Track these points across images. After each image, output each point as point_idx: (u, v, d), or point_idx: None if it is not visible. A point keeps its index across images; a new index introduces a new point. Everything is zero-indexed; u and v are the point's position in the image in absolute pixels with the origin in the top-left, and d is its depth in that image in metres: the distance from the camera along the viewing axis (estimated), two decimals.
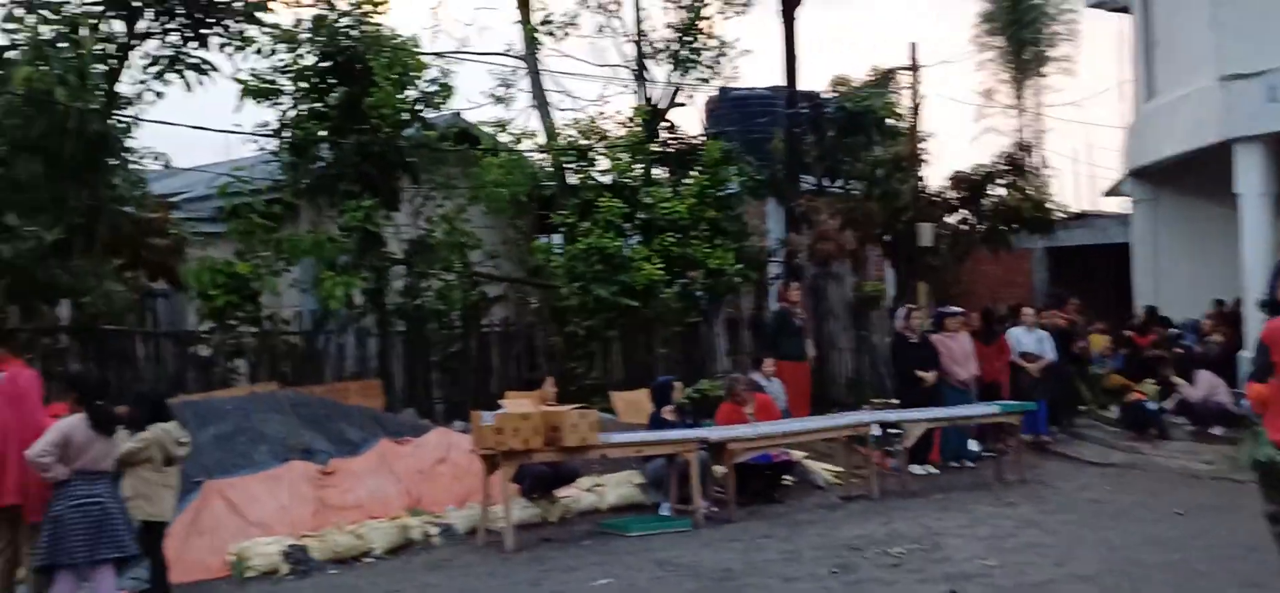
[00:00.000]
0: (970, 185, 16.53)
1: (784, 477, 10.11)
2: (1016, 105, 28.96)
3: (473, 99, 21.32)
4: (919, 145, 16.53)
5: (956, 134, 48.98)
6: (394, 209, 12.56)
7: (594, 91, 24.21)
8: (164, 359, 10.60)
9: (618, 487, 9.74)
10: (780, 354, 11.62)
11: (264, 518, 8.08)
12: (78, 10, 10.82)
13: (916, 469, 10.86)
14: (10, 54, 10.31)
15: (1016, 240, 17.18)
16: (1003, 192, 16.49)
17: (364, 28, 12.24)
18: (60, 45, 10.15)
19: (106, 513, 6.20)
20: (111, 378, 9.16)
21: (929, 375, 11.30)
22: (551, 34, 15.18)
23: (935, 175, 17.43)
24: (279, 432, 8.96)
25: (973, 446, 11.68)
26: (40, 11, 10.50)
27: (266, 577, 7.53)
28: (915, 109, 16.62)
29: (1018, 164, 16.56)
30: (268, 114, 12.37)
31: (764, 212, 16.96)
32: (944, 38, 40.77)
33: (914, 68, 16.67)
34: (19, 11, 10.36)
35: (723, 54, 15.25)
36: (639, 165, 14.13)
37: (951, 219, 16.80)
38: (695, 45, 15.04)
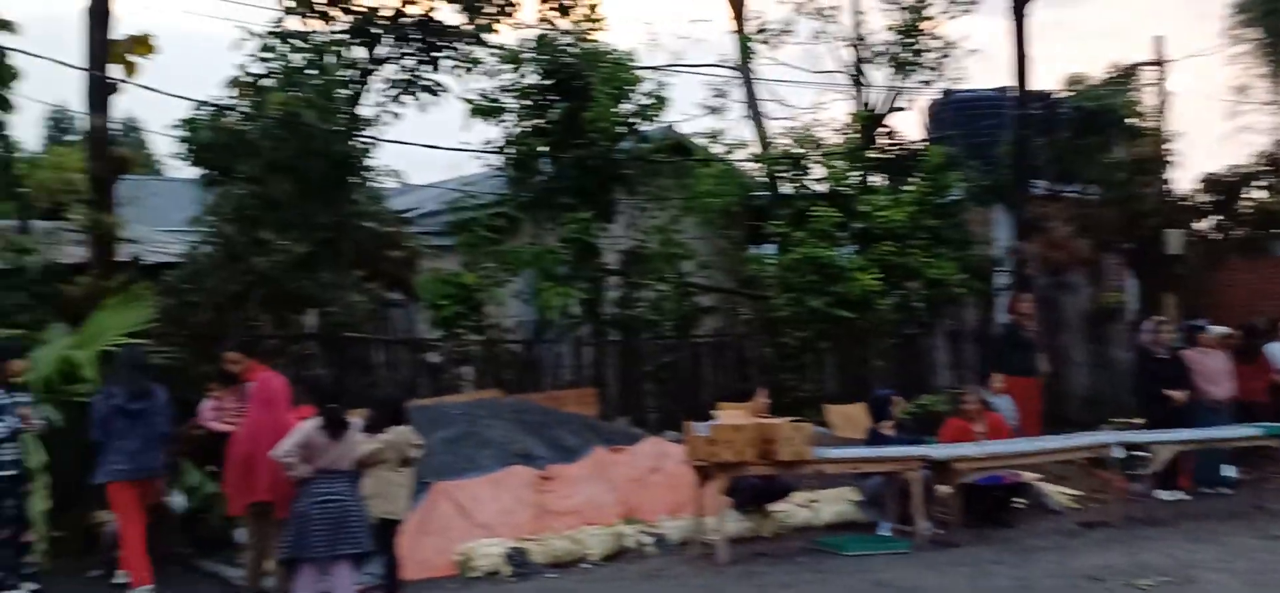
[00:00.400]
0: (1224, 188, 15.16)
1: (1014, 499, 9.53)
2: (1275, 101, 26.37)
3: (686, 111, 21.53)
4: (1164, 146, 15.30)
5: (1205, 134, 45.22)
6: (609, 221, 12.80)
7: (809, 98, 23.88)
8: (399, 365, 11.22)
9: (833, 503, 9.47)
10: (1009, 369, 10.99)
11: (487, 520, 8.36)
12: (324, 39, 11.68)
13: (1164, 495, 9.99)
14: (265, 81, 11.22)
15: (1276, 247, 15.64)
16: (1262, 194, 15.02)
17: (583, 45, 12.55)
18: (309, 72, 10.94)
19: (345, 511, 6.57)
20: (351, 383, 9.79)
21: (1180, 394, 10.39)
22: (766, 42, 15.08)
23: (1183, 178, 16.12)
24: (501, 437, 9.26)
25: (1228, 471, 10.62)
26: (292, 41, 11.39)
27: (489, 578, 7.77)
28: (1160, 107, 15.40)
29: (1278, 164, 15.06)
30: (493, 132, 12.91)
31: (990, 219, 16.14)
32: (1191, 30, 37.70)
33: (1159, 63, 15.46)
34: (273, 41, 11.28)
35: (946, 55, 14.66)
36: (855, 173, 13.78)
37: (1201, 225, 15.46)
38: (917, 47, 14.53)
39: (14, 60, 14.68)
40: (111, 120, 10.26)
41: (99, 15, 9.97)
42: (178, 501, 8.15)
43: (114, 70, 10.09)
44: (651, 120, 13.14)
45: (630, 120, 12.70)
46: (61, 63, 9.82)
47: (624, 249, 12.99)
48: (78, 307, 9.37)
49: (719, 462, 8.01)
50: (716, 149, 13.86)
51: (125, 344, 8.32)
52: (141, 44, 10.22)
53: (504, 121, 12.78)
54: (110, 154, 10.05)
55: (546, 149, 12.52)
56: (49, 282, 9.50)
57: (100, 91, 9.99)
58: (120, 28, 10.14)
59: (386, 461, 6.96)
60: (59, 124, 41.51)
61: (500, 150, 12.80)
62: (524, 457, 9.08)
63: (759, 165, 14.29)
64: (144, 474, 7.27)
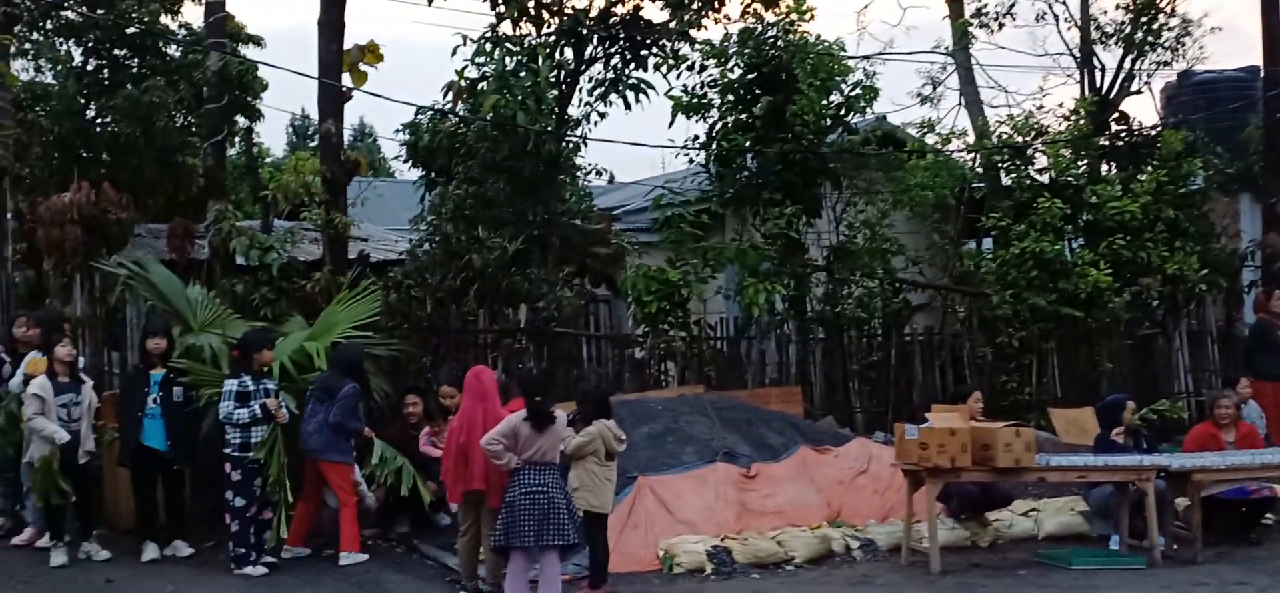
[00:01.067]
0: None
1: (1265, 515, 8.67)
2: None
3: (898, 101, 20.87)
4: None
5: None
6: (815, 216, 12.55)
7: (1031, 84, 22.62)
8: (604, 360, 11.41)
9: (1057, 514, 8.91)
10: (1258, 373, 10.05)
11: (690, 517, 8.35)
12: (536, 43, 12.03)
13: None
14: (480, 85, 11.67)
15: None
16: None
17: (789, 37, 12.35)
18: (521, 75, 11.28)
19: (552, 503, 6.71)
20: (558, 377, 10.03)
21: None
22: (985, 26, 14.39)
23: None
24: (704, 433, 9.24)
25: None
26: (505, 45, 11.79)
27: (693, 575, 7.75)
28: None
29: None
30: (697, 128, 12.93)
31: (1235, 210, 14.80)
32: None
33: None
34: (487, 46, 11.71)
35: (1186, 34, 13.53)
36: (1083, 162, 12.92)
37: None
38: (1153, 26, 13.47)
39: (261, 73, 16.06)
40: (343, 126, 10.92)
41: (331, 28, 10.64)
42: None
43: (345, 79, 10.76)
44: (861, 112, 12.79)
45: (838, 112, 12.40)
46: (300, 74, 10.54)
47: (830, 244, 12.69)
48: (313, 301, 10.05)
49: (931, 467, 7.67)
50: (930, 140, 13.35)
51: (342, 343, 8.91)
52: (371, 53, 10.85)
53: (709, 117, 12.77)
54: (342, 158, 10.70)
55: (751, 144, 12.41)
56: (288, 277, 10.21)
57: (333, 99, 10.66)
58: (351, 39, 10.80)
59: (594, 453, 7.07)
60: (300, 131, 44.92)
61: (705, 146, 12.79)
62: (727, 455, 9.02)
63: (976, 156, 13.65)
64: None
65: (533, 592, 6.80)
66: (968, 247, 13.89)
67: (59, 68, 18.06)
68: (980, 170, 13.57)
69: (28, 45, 17.90)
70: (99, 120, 16.38)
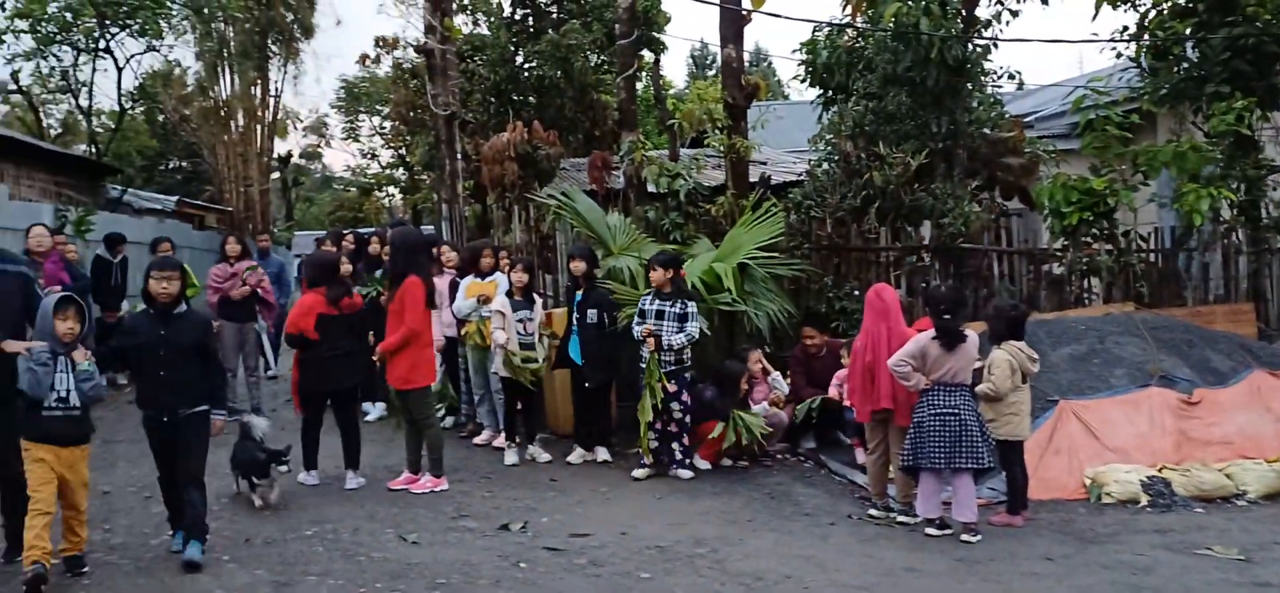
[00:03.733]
0: None
1: None
2: None
3: None
4: None
5: None
6: (1273, 109, 10.85)
7: None
8: (1017, 277, 10.74)
9: None
10: None
11: (1121, 444, 7.69)
12: None
13: None
14: None
15: None
16: None
17: None
18: None
19: (963, 424, 6.48)
20: (967, 295, 9.58)
21: None
22: None
23: None
24: (1135, 355, 8.43)
25: None
26: None
27: (1124, 505, 7.16)
28: None
29: None
30: (1126, 18, 11.65)
31: None
32: None
33: None
34: None
35: None
36: None
37: None
38: None
39: (664, 6, 16.74)
40: (742, 51, 11.09)
41: None
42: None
43: (745, 3, 10.89)
44: None
45: None
46: (702, 0, 10.81)
47: None
48: (719, 224, 10.41)
49: None
50: None
51: None
52: None
53: (1140, 5, 11.44)
54: (742, 83, 10.89)
55: (1192, 31, 10.95)
56: (695, 202, 10.63)
57: (733, 24, 10.84)
58: None
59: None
60: (699, 61, 46.51)
61: (1135, 37, 11.48)
62: (1162, 379, 8.17)
63: None
64: None
65: (946, 513, 6.64)
66: None
67: (492, 19, 20.12)
68: None
69: (466, 1, 20.06)
70: (526, 65, 18.03)
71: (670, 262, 8.40)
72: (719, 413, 8.43)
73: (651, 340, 8.08)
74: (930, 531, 6.61)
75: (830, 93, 12.66)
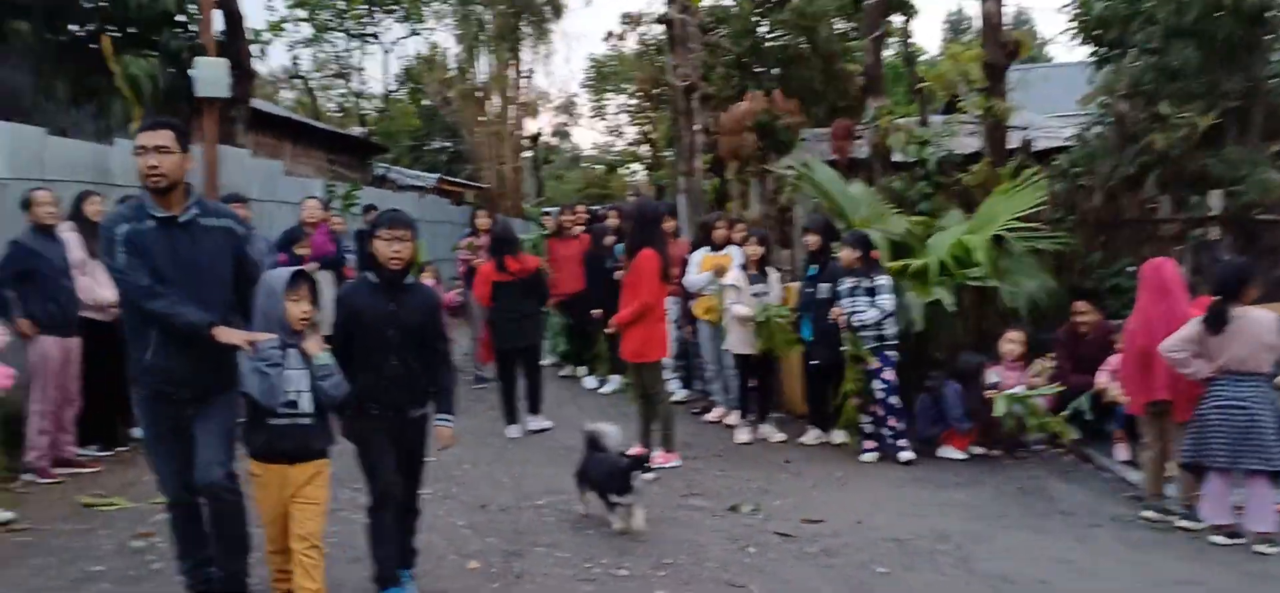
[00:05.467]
0: None
1: None
2: None
3: None
4: None
5: None
6: None
7: None
8: None
9: None
10: None
11: None
12: None
13: None
14: None
15: None
16: None
17: None
18: None
19: (1253, 419, 5.65)
20: (1264, 272, 8.41)
21: None
22: None
23: None
24: None
25: None
26: None
27: None
28: None
29: None
30: None
31: None
32: None
33: None
34: None
35: None
36: None
37: None
38: None
39: None
40: (1003, 6, 10.26)
41: None
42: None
43: None
44: None
45: None
46: None
47: None
48: (972, 194, 9.68)
49: None
50: None
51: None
52: None
53: None
54: (1003, 40, 10.07)
55: None
56: (946, 171, 9.95)
57: None
58: None
59: None
60: (954, 26, 44.31)
61: None
62: None
63: None
64: None
65: (1238, 520, 5.81)
66: None
67: None
68: None
69: None
70: (769, 35, 17.67)
71: (859, 241, 7.99)
72: (962, 412, 7.88)
73: (841, 319, 7.77)
74: (1216, 539, 5.80)
75: (1104, 49, 11.49)
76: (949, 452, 7.93)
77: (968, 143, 10.92)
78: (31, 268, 6.80)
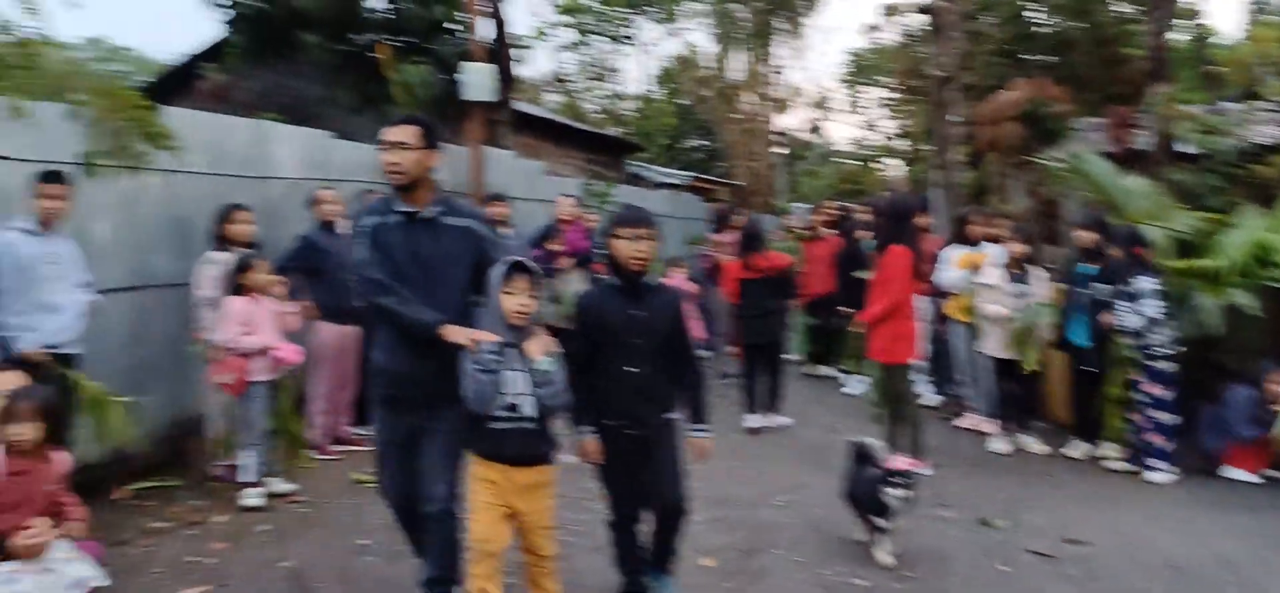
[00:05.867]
0: None
1: None
2: None
3: None
4: None
5: None
6: None
7: None
8: None
9: None
10: None
11: None
12: None
13: None
14: None
15: None
16: None
17: None
18: None
19: None
20: None
21: None
22: None
23: None
24: None
25: None
26: None
27: None
28: None
29: None
30: None
31: None
32: None
33: None
34: None
35: None
36: None
37: None
38: None
39: None
40: None
41: None
42: None
43: None
44: None
45: None
46: None
47: None
48: (1271, 188, 8.66)
49: None
50: None
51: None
52: None
53: None
54: None
55: None
56: (1241, 163, 8.96)
57: None
58: None
59: None
60: (1260, 5, 39.97)
61: None
62: None
63: None
64: None
65: None
66: None
67: None
68: None
69: None
70: (1038, 20, 16.63)
71: (1129, 238, 7.36)
72: (1248, 422, 7.06)
73: (1108, 322, 7.21)
74: None
75: None
76: (1235, 473, 7.12)
77: (1266, 132, 9.78)
78: (317, 261, 7.42)
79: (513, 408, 3.92)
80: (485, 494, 3.98)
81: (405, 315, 4.01)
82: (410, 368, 4.09)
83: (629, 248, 4.21)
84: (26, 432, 3.91)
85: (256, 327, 6.29)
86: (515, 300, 3.91)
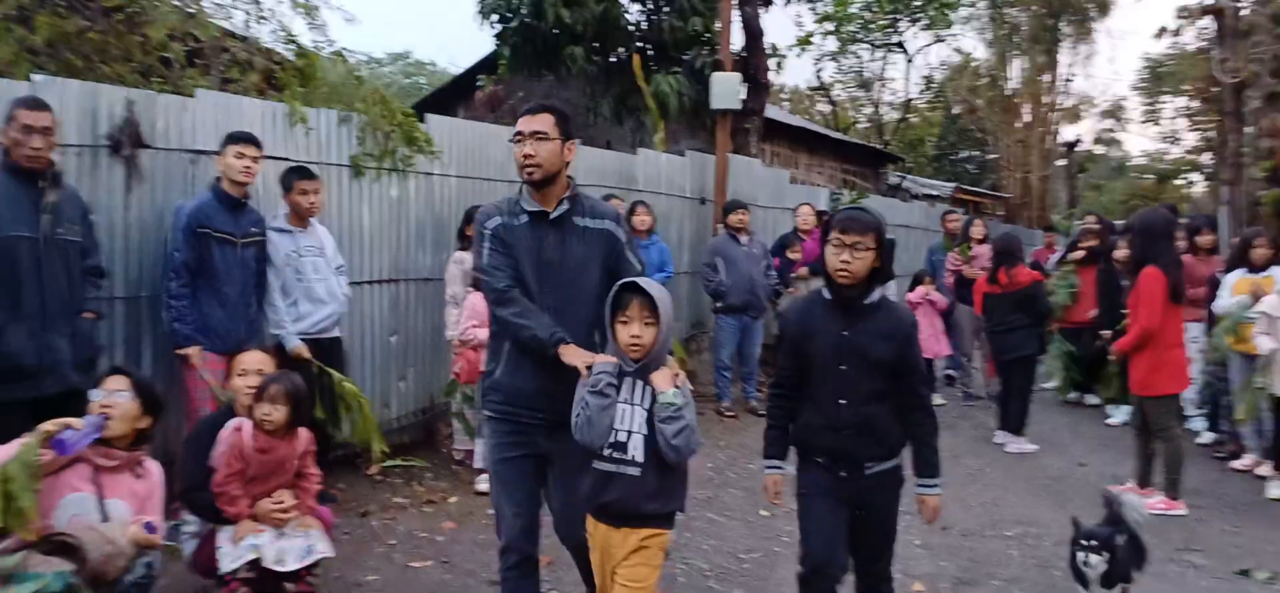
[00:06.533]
0: None
1: None
2: None
3: None
4: None
5: None
6: None
7: None
8: None
9: None
10: None
11: None
12: None
13: None
14: None
15: None
16: None
17: None
18: None
19: None
20: None
21: None
22: None
23: None
24: None
25: None
26: None
27: None
28: None
29: None
30: None
31: None
32: None
33: None
34: None
35: None
36: None
37: None
38: None
39: None
40: None
41: None
42: None
43: None
44: None
45: None
46: None
47: None
48: None
49: None
50: None
51: None
52: None
53: None
54: None
55: None
56: None
57: None
58: None
59: None
60: None
61: None
62: None
63: None
64: None
65: None
66: None
67: None
68: None
69: None
70: None
71: None
72: None
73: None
74: None
75: None
76: None
77: None
78: None
79: (620, 446, 3.22)
80: (593, 558, 3.42)
81: (524, 329, 3.49)
82: (531, 387, 3.59)
83: (835, 257, 3.51)
84: (274, 414, 4.36)
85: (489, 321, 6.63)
86: (628, 330, 3.25)
